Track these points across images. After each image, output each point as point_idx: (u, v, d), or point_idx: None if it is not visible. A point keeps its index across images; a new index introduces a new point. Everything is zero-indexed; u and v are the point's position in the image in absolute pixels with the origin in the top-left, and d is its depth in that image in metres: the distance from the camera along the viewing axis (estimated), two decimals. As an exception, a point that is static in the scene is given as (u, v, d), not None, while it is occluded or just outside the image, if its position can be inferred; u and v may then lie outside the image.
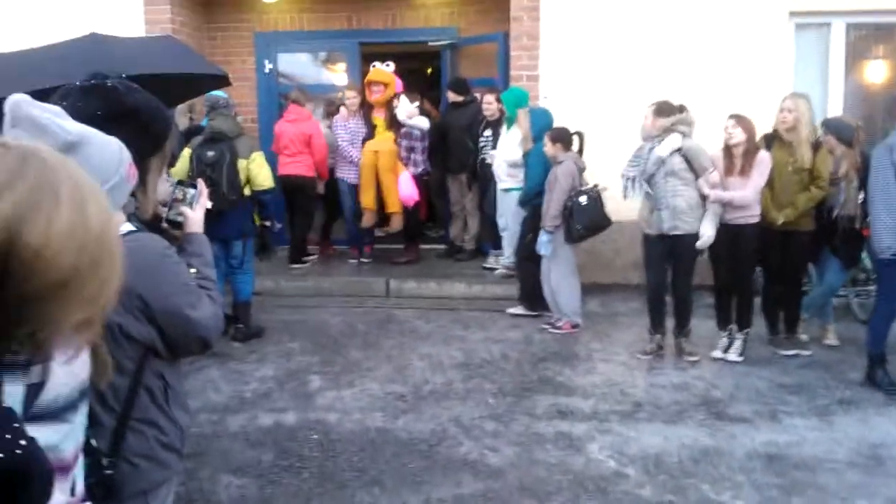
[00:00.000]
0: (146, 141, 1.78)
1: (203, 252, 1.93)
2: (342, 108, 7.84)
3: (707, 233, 5.24)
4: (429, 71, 11.25)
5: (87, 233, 0.94)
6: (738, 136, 5.23)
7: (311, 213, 8.03)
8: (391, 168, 7.53)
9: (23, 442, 0.93)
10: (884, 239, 4.62)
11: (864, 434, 4.25)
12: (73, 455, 1.25)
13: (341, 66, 9.31)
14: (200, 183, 2.01)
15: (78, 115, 1.62)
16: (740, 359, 5.39)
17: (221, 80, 4.83)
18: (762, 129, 5.58)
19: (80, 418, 1.26)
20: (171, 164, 5.73)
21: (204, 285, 1.84)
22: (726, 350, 5.46)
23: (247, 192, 5.90)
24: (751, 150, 5.25)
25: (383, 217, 7.81)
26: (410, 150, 7.76)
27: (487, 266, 7.71)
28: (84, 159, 1.40)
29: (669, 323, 5.58)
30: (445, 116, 8.03)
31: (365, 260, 7.99)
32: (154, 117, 1.80)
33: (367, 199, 7.60)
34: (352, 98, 7.83)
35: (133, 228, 1.69)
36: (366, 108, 7.74)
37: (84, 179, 0.98)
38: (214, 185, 5.64)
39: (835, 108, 7.37)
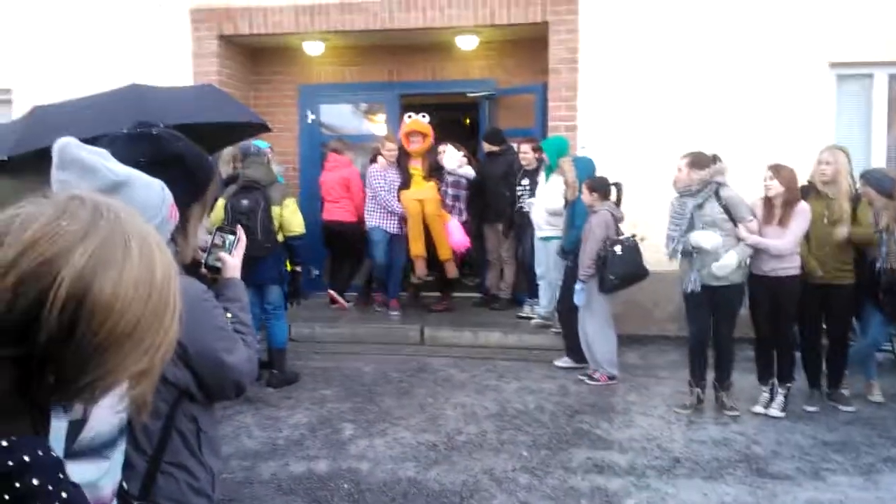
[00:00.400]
0: (189, 188, 1.82)
1: (240, 297, 1.95)
2: (380, 158, 7.83)
3: (729, 262, 5.11)
4: (467, 121, 11.39)
5: (153, 285, 0.97)
6: (776, 187, 5.18)
7: (355, 256, 8.14)
8: (438, 215, 7.59)
9: (64, 495, 0.95)
10: None
11: (914, 495, 4.08)
12: (111, 492, 1.26)
13: (381, 117, 9.50)
14: (240, 229, 2.04)
15: (123, 162, 1.68)
16: (782, 414, 5.24)
17: (261, 128, 4.94)
18: (803, 179, 5.52)
19: (119, 456, 1.28)
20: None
21: (240, 330, 1.86)
22: (768, 405, 5.31)
23: (280, 238, 5.99)
24: (790, 201, 5.17)
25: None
26: (456, 198, 7.86)
27: (523, 315, 7.67)
28: (128, 199, 1.44)
29: (709, 377, 5.46)
30: (482, 166, 8.12)
31: (394, 313, 7.86)
32: (197, 165, 1.84)
33: (419, 247, 7.59)
34: (391, 149, 7.82)
35: None
36: (401, 157, 7.76)
37: (151, 232, 1.02)
38: (250, 233, 5.72)
39: (878, 160, 7.26)
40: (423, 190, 7.65)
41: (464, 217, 7.87)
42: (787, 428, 5.07)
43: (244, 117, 5.06)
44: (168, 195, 1.59)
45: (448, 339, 7.19)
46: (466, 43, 8.46)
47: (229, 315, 1.86)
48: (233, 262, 1.99)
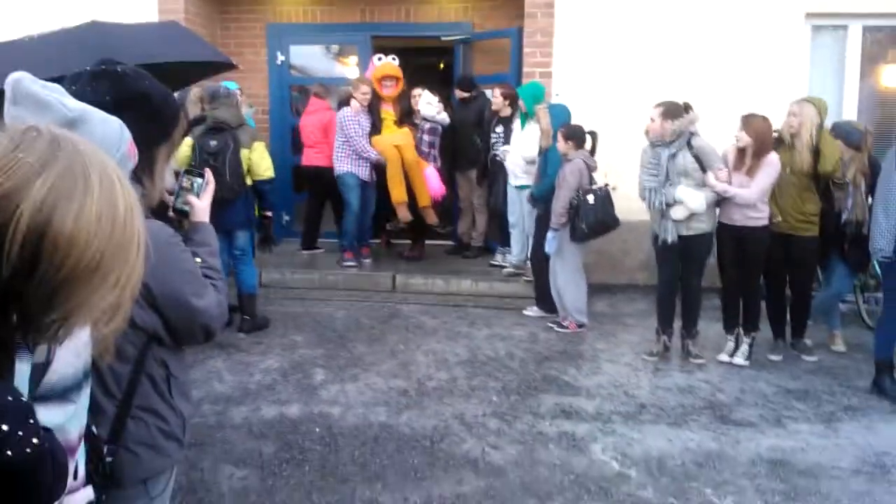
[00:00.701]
0: (155, 128, 1.76)
1: (209, 241, 1.92)
2: (353, 102, 7.51)
3: (689, 200, 5.14)
4: (441, 66, 11.21)
5: (116, 217, 0.95)
6: (745, 138, 5.19)
7: (334, 202, 8.02)
8: (417, 162, 7.42)
9: (35, 440, 0.93)
10: (877, 240, 4.63)
11: (870, 442, 4.22)
12: (78, 436, 1.25)
13: (353, 59, 9.31)
14: (208, 172, 1.99)
15: (87, 100, 1.61)
16: (746, 363, 5.36)
17: (226, 66, 4.80)
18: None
19: (84, 399, 1.26)
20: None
21: (209, 275, 1.83)
22: (733, 354, 5.43)
23: (248, 182, 5.90)
24: (760, 152, 5.18)
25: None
26: (431, 145, 7.68)
27: (495, 263, 7.69)
28: (85, 136, 1.39)
29: (676, 325, 5.55)
30: (455, 112, 8.01)
31: (366, 261, 7.76)
32: (163, 104, 1.78)
33: (400, 193, 7.36)
34: (365, 93, 7.51)
35: None
36: (373, 102, 7.52)
37: (112, 164, 0.99)
38: (218, 175, 5.61)
39: (849, 112, 7.32)
40: (399, 135, 7.48)
41: (438, 164, 7.77)
42: (751, 376, 5.20)
43: (209, 56, 4.91)
44: (126, 133, 1.54)
45: (420, 287, 7.21)
46: (441, -16, 8.27)
47: (198, 259, 1.83)
48: (201, 206, 1.94)
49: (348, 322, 6.34)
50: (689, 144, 5.21)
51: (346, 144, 7.42)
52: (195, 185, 1.93)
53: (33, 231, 0.87)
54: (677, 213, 5.17)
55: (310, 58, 9.48)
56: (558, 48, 7.53)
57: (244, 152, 5.80)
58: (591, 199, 5.79)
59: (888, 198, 4.62)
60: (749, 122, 5.22)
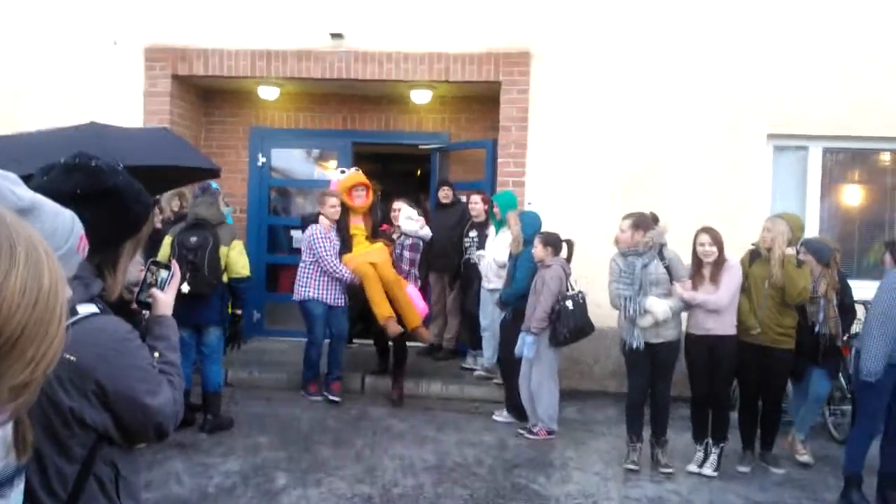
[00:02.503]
0: (123, 223, 1.78)
1: (169, 335, 1.90)
2: (322, 218, 6.81)
3: (656, 310, 5.22)
4: (418, 173, 11.50)
5: (41, 291, 0.93)
6: (713, 254, 5.36)
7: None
8: (397, 280, 6.76)
9: None
10: (869, 363, 4.63)
11: (840, 558, 4.15)
12: None
13: (332, 164, 9.52)
14: (175, 265, 1.99)
15: (57, 191, 1.62)
16: (715, 474, 5.31)
17: (212, 173, 4.95)
18: (737, 243, 5.72)
19: (17, 496, 1.22)
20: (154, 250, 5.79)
21: (166, 370, 1.80)
22: (702, 464, 5.38)
23: (224, 279, 5.92)
24: (721, 259, 5.37)
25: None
26: (412, 262, 7.08)
27: (466, 367, 7.66)
28: (35, 225, 1.40)
29: (645, 434, 5.52)
30: (434, 217, 8.16)
31: (335, 398, 6.76)
32: (134, 200, 1.79)
33: (386, 308, 6.60)
34: (334, 206, 6.82)
35: (96, 310, 1.67)
36: (341, 216, 6.91)
37: (39, 240, 0.99)
38: (196, 270, 5.68)
39: (811, 229, 7.56)
40: (373, 252, 6.85)
41: (419, 282, 7.23)
42: (720, 488, 5.14)
43: (197, 162, 5.05)
44: (79, 226, 1.54)
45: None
46: (420, 97, 8.61)
47: (157, 354, 1.81)
48: (165, 299, 1.94)
49: (314, 424, 6.22)
50: (660, 255, 5.35)
51: (313, 266, 6.77)
52: (160, 277, 1.94)
53: None
54: (645, 321, 5.25)
55: (290, 160, 9.70)
56: (531, 159, 7.80)
57: (223, 249, 5.85)
58: (570, 304, 5.87)
59: (886, 320, 4.65)
60: (713, 235, 5.40)
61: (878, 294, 4.84)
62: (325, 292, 6.78)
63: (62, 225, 1.50)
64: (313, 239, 6.75)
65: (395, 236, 7.12)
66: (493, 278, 6.91)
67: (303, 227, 7.08)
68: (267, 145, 9.16)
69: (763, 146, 7.68)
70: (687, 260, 5.50)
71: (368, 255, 6.80)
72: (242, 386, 7.16)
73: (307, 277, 6.81)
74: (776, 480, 5.32)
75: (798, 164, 7.88)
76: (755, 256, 5.53)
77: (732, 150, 7.61)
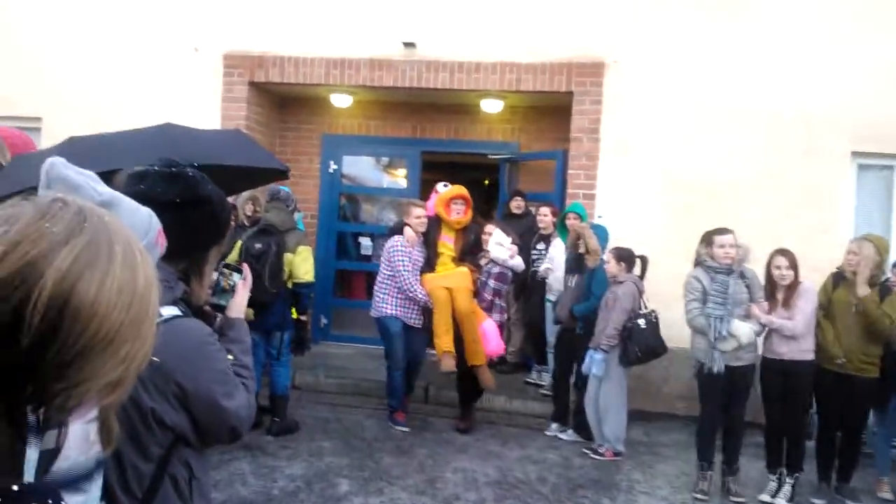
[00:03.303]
0: (212, 230, 1.83)
1: (242, 339, 1.92)
2: (406, 230, 6.24)
3: (741, 332, 5.04)
4: (486, 182, 11.48)
5: (136, 291, 0.95)
6: (791, 276, 5.17)
7: None
8: (472, 312, 6.10)
9: None
10: None
11: None
12: None
13: (402, 172, 9.59)
14: (246, 269, 2.02)
15: (155, 198, 1.69)
16: (789, 505, 5.10)
17: (281, 174, 4.98)
18: (815, 266, 5.51)
19: (96, 491, 1.24)
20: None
21: (240, 373, 1.82)
22: (775, 494, 5.17)
23: (289, 285, 5.97)
24: (795, 283, 5.19)
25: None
26: (497, 293, 6.34)
27: (530, 381, 7.57)
28: None
29: (716, 460, 5.33)
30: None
31: (403, 429, 6.28)
32: (221, 208, 1.85)
33: (446, 342, 6.04)
34: (420, 217, 6.22)
35: (178, 313, 1.70)
36: (430, 230, 6.31)
37: (135, 240, 1.00)
38: (257, 277, 5.73)
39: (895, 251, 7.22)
40: (454, 276, 6.20)
41: (503, 318, 6.51)
42: (794, 519, 4.92)
43: (267, 163, 5.11)
44: (156, 222, 1.58)
45: (453, 400, 7.06)
46: (491, 106, 8.58)
47: (231, 357, 1.83)
48: (237, 302, 1.96)
49: (378, 431, 6.23)
50: (741, 274, 5.18)
51: (390, 280, 6.23)
52: (232, 281, 1.96)
53: (56, 299, 0.87)
54: (728, 344, 5.07)
55: (360, 168, 9.81)
56: (602, 171, 7.68)
57: (287, 256, 5.91)
58: (642, 323, 5.73)
59: None
60: (788, 255, 5.22)
61: None
62: (402, 310, 6.24)
63: (140, 221, 1.53)
64: (393, 251, 6.19)
65: (482, 262, 6.39)
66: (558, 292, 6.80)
67: (388, 237, 6.52)
68: (339, 152, 9.28)
69: (846, 165, 7.37)
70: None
71: (447, 279, 6.18)
72: (309, 390, 7.24)
73: (384, 293, 6.25)
74: (855, 515, 5.07)
75: (883, 184, 7.54)
76: (838, 280, 5.31)
77: (814, 167, 7.33)
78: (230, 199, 6.76)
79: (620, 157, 7.65)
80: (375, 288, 6.35)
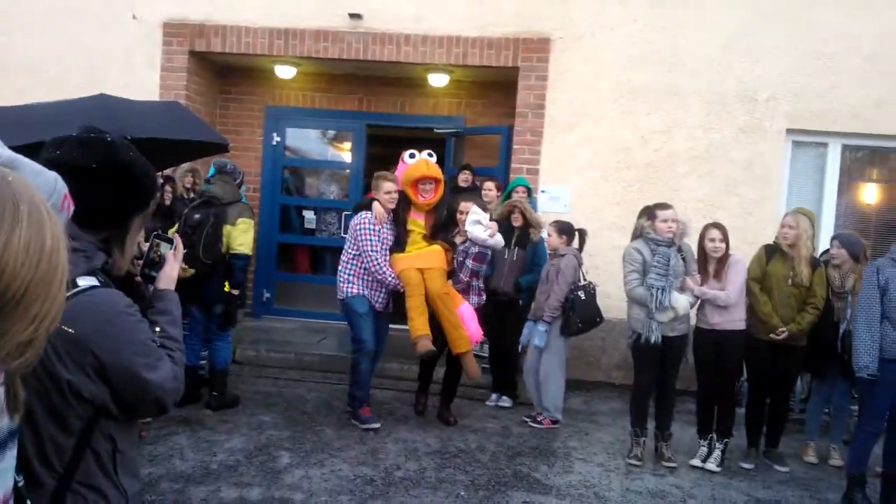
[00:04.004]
0: (133, 198, 1.79)
1: (171, 310, 1.89)
2: (375, 206, 5.72)
3: (679, 303, 5.20)
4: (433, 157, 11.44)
5: (44, 250, 0.94)
6: (722, 250, 5.32)
7: None
8: (447, 295, 5.67)
9: None
10: (862, 357, 4.62)
11: (841, 559, 4.13)
12: (3, 500, 1.21)
13: (347, 145, 9.52)
14: (177, 239, 1.99)
15: (72, 164, 1.64)
16: (718, 469, 5.29)
17: (221, 147, 4.92)
18: (751, 239, 5.66)
19: (9, 461, 1.22)
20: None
21: (167, 345, 1.79)
22: (705, 459, 5.36)
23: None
24: (724, 257, 5.35)
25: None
26: (475, 274, 5.87)
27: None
28: None
29: (649, 426, 5.50)
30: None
31: (373, 425, 5.69)
32: (144, 176, 1.81)
33: (422, 324, 5.58)
34: (390, 192, 5.73)
35: (96, 283, 1.67)
36: (399, 207, 5.80)
37: (41, 200, 0.99)
38: (192, 247, 5.63)
39: (827, 226, 7.48)
40: (426, 255, 5.76)
41: (480, 301, 5.99)
42: (722, 483, 5.11)
43: (206, 136, 5.04)
44: (62, 185, 1.53)
45: (395, 372, 7.13)
46: (437, 80, 8.56)
47: (158, 329, 1.80)
48: (166, 273, 1.94)
49: (319, 404, 6.24)
50: (679, 248, 5.31)
51: (357, 260, 5.75)
52: (162, 251, 1.94)
53: None
54: (665, 315, 5.21)
55: (305, 141, 9.69)
56: (546, 147, 7.75)
57: (226, 227, 5.82)
58: (582, 294, 5.85)
59: (870, 314, 4.65)
60: (721, 228, 5.36)
61: (863, 290, 4.83)
62: (370, 291, 5.76)
63: (44, 183, 1.49)
64: (360, 229, 5.68)
65: (457, 241, 5.91)
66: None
67: (355, 213, 5.91)
68: (282, 125, 9.16)
69: (782, 142, 7.58)
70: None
71: (419, 259, 5.72)
72: (250, 364, 7.20)
73: (350, 273, 5.76)
74: (780, 478, 5.29)
75: (816, 161, 7.78)
76: (771, 253, 5.47)
77: (751, 144, 7.53)
78: (169, 172, 6.69)
79: (564, 133, 7.73)
80: (340, 268, 5.83)
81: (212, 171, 6.41)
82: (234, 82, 9.14)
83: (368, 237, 5.66)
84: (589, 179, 7.65)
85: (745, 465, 5.44)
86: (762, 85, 7.48)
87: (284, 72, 8.70)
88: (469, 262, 5.80)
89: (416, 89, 8.89)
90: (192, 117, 5.39)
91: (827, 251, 5.80)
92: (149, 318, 1.82)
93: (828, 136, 7.61)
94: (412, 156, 5.81)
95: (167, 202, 6.13)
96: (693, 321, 5.46)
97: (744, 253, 5.58)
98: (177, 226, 5.78)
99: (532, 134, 7.81)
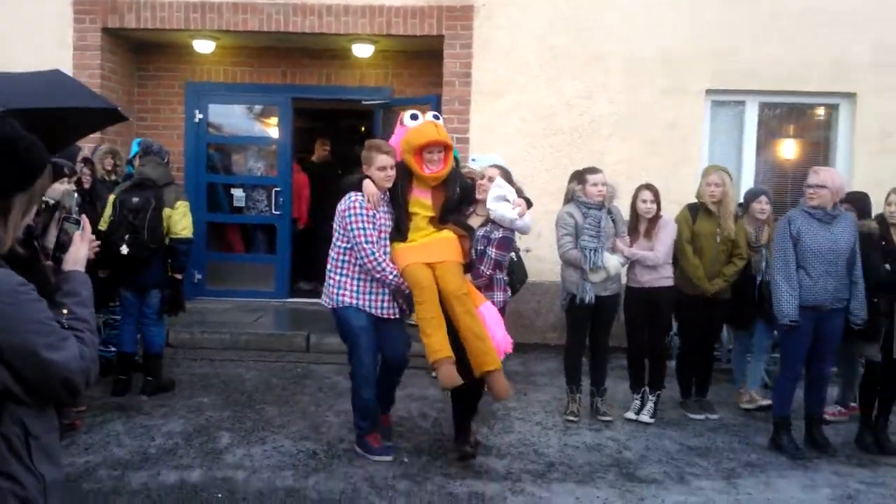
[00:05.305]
0: (14, 175, 1.71)
1: (79, 291, 1.85)
2: (367, 184, 4.48)
3: (611, 263, 5.33)
4: (363, 129, 11.35)
5: None
6: (654, 210, 5.46)
7: None
8: (464, 293, 4.41)
9: None
10: (783, 306, 4.83)
11: (768, 497, 4.35)
12: None
13: (273, 120, 9.34)
14: (84, 220, 1.95)
15: None
16: (652, 420, 5.49)
17: (116, 116, 4.66)
18: (675, 199, 5.83)
19: None
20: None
21: (74, 326, 1.75)
22: (639, 412, 5.55)
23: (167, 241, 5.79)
24: (655, 217, 5.50)
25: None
26: (498, 266, 4.69)
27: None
28: None
29: (584, 384, 5.66)
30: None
31: (384, 457, 4.66)
32: (27, 152, 1.73)
33: (442, 342, 4.34)
34: (385, 167, 4.45)
35: None
36: (399, 184, 4.55)
37: None
38: (136, 233, 5.54)
39: (747, 182, 7.75)
40: (435, 244, 4.51)
41: (507, 296, 4.89)
42: (656, 434, 5.31)
43: (94, 103, 4.74)
44: None
45: (335, 346, 7.06)
46: (362, 51, 8.45)
47: (65, 310, 1.76)
48: (73, 255, 1.90)
49: (258, 383, 6.20)
50: (609, 211, 5.43)
51: (348, 255, 4.51)
52: (71, 233, 1.91)
53: None
54: (598, 275, 5.33)
55: (230, 117, 9.46)
56: (475, 115, 7.77)
57: (166, 211, 5.71)
58: (514, 257, 5.93)
59: (786, 264, 4.85)
60: (653, 189, 5.50)
61: (774, 241, 5.05)
62: (368, 296, 4.55)
63: None
64: (350, 215, 4.42)
65: (475, 223, 4.72)
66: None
67: (340, 195, 4.60)
68: (204, 101, 8.92)
69: (701, 102, 7.79)
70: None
71: (427, 250, 4.49)
72: (185, 347, 7.07)
73: (341, 274, 4.55)
74: (710, 426, 5.52)
75: (735, 120, 8.03)
76: (695, 211, 5.63)
77: (672, 105, 7.71)
78: (87, 154, 6.45)
79: (492, 101, 7.76)
80: (328, 268, 4.61)
81: (133, 150, 6.23)
82: (152, 59, 8.84)
83: (361, 225, 4.40)
84: (518, 147, 7.71)
85: (677, 415, 5.64)
86: (681, 46, 7.65)
87: (203, 46, 8.45)
88: (492, 251, 4.59)
89: (342, 61, 8.77)
90: (79, 85, 5.08)
91: (741, 205, 6.02)
92: (56, 300, 1.78)
93: (745, 94, 7.85)
94: (414, 117, 4.54)
95: (86, 185, 5.92)
96: (624, 280, 5.61)
97: (668, 212, 5.74)
98: (110, 210, 5.62)
99: (460, 103, 7.82)
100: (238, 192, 9.15)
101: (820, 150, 8.08)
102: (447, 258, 4.46)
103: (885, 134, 7.64)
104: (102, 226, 5.59)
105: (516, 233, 4.80)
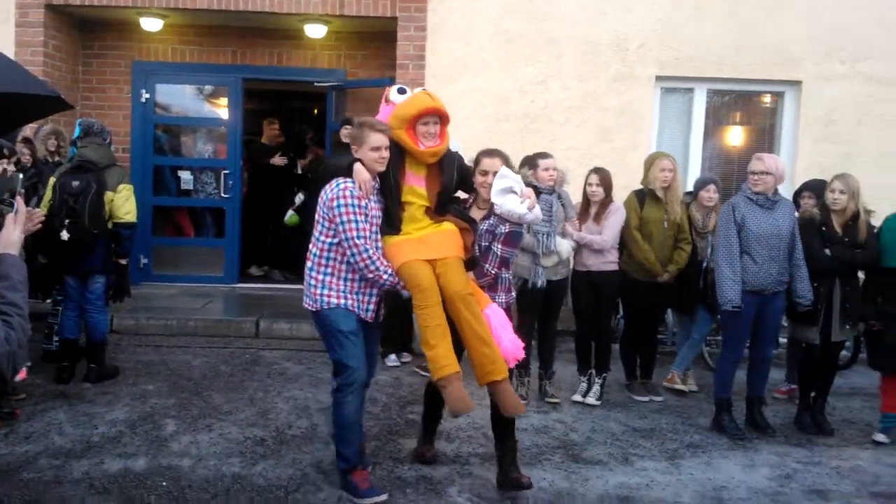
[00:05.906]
0: None
1: (10, 275, 1.81)
2: (357, 168, 3.84)
3: (562, 247, 5.41)
4: (315, 112, 11.23)
5: None
6: (601, 194, 5.52)
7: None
8: (469, 293, 3.85)
9: None
10: (726, 292, 4.94)
11: (709, 476, 4.45)
12: None
13: (223, 101, 9.17)
14: (19, 202, 1.91)
15: None
16: (598, 402, 5.58)
17: (59, 103, 4.50)
18: (623, 182, 5.90)
19: None
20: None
21: (4, 310, 1.73)
22: (585, 394, 5.64)
23: (110, 225, 5.66)
24: (605, 202, 5.57)
25: None
26: (503, 264, 4.14)
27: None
28: None
29: (532, 367, 5.72)
30: (332, 157, 7.98)
31: (379, 499, 3.93)
32: None
33: (448, 355, 3.84)
34: (378, 147, 3.82)
35: None
36: (391, 168, 3.91)
37: None
38: (76, 217, 5.40)
39: (694, 168, 7.88)
40: (435, 238, 3.97)
41: (511, 297, 4.33)
42: (602, 416, 5.40)
43: (34, 89, 4.58)
44: None
45: (284, 332, 7.06)
46: (315, 31, 8.34)
47: None
48: (5, 237, 1.87)
49: (206, 370, 6.12)
50: (559, 196, 5.48)
51: (334, 250, 3.89)
52: (4, 214, 1.86)
53: None
54: (550, 260, 5.37)
55: (178, 97, 9.26)
56: (427, 98, 7.72)
57: (108, 195, 5.56)
58: None
59: (730, 250, 4.95)
60: (602, 173, 5.56)
61: (718, 226, 5.17)
62: (358, 297, 3.95)
63: None
64: (338, 206, 3.78)
65: (474, 214, 4.18)
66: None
67: (324, 181, 4.00)
68: (151, 81, 8.71)
69: (651, 89, 7.87)
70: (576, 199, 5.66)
71: (427, 245, 3.94)
72: (129, 333, 6.95)
73: (326, 272, 3.92)
74: (655, 407, 5.64)
75: (684, 107, 8.14)
76: (643, 197, 5.70)
77: (623, 92, 7.78)
78: (28, 134, 6.26)
79: (447, 85, 7.72)
80: (309, 265, 3.97)
81: (77, 132, 6.05)
82: (97, 37, 8.59)
83: (352, 217, 3.77)
84: (473, 131, 7.70)
85: (622, 397, 5.75)
86: (633, 33, 7.72)
87: (150, 24, 8.24)
88: (497, 247, 4.07)
89: (294, 41, 8.64)
90: (20, 69, 4.88)
91: (690, 193, 6.12)
92: None
93: (694, 81, 7.96)
94: (402, 91, 4.05)
95: (28, 165, 5.75)
96: (571, 265, 5.67)
97: (619, 197, 5.81)
98: (50, 193, 5.47)
99: (414, 86, 7.73)
100: (186, 175, 8.98)
101: (765, 136, 8.24)
102: (449, 253, 3.90)
103: (828, 121, 7.83)
104: (43, 209, 5.44)
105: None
